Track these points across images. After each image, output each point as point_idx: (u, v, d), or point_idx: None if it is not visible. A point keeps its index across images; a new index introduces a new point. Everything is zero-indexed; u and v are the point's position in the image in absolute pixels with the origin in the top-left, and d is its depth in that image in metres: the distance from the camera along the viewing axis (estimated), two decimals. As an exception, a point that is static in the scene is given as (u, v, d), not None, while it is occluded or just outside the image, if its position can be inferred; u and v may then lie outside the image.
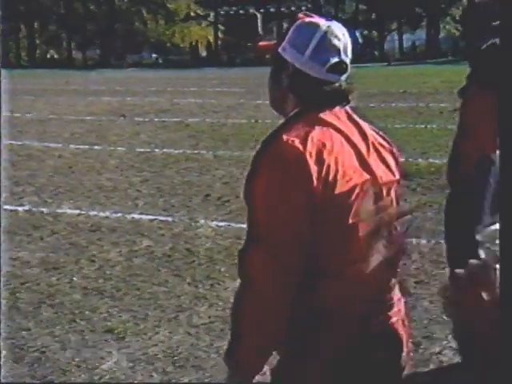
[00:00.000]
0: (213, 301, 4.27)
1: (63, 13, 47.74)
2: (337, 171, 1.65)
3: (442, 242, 3.82)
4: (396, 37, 46.95)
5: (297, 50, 1.73)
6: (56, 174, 8.33)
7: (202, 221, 6.11)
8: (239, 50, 38.35)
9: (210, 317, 4.06)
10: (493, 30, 2.68)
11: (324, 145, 1.66)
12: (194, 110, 14.89)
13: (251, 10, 40.51)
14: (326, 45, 1.73)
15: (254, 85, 20.65)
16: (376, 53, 43.09)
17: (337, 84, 1.74)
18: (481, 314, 1.29)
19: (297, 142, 1.64)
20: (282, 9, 40.29)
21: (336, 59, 1.73)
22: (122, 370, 3.48)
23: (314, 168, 1.63)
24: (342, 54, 1.75)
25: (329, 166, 1.64)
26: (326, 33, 1.73)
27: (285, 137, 1.66)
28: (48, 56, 50.26)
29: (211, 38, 43.60)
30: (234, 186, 7.46)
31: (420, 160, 8.29)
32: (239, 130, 11.58)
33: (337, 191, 1.65)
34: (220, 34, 43.65)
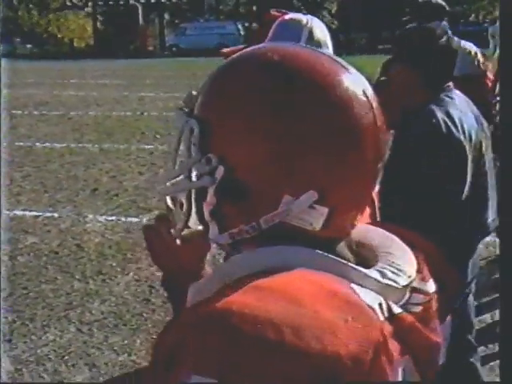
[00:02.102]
0: (105, 296, 4.17)
1: None
2: None
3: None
4: (277, 29, 47.67)
5: None
6: None
7: (91, 216, 5.95)
8: (119, 41, 37.47)
9: (102, 313, 3.97)
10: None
11: None
12: (75, 102, 14.41)
13: (131, 1, 39.68)
14: (314, 41, 1.68)
15: (137, 77, 20.31)
16: (258, 45, 43.51)
17: None
18: None
19: None
20: (163, 0, 39.82)
21: None
22: (9, 374, 3.34)
23: None
24: (328, 46, 1.71)
25: None
26: (311, 28, 1.69)
27: None
28: None
29: (90, 29, 42.27)
30: (122, 179, 7.33)
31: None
32: (124, 123, 11.36)
33: None
34: (99, 25, 42.40)
